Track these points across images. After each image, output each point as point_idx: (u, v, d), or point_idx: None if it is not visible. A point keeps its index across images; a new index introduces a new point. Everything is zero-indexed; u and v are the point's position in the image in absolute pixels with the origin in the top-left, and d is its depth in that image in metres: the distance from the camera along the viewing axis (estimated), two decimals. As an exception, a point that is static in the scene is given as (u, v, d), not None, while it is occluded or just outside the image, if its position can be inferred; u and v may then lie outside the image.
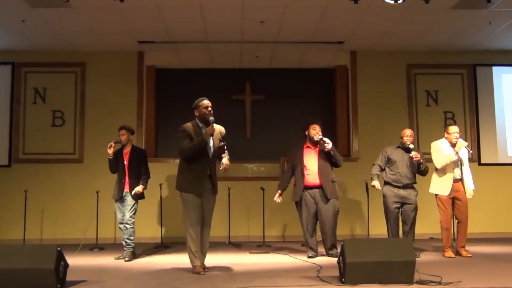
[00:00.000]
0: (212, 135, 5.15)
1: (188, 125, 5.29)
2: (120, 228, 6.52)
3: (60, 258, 4.50)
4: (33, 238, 8.15)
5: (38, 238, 8.29)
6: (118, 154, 6.56)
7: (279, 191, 6.44)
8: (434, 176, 6.40)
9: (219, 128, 5.33)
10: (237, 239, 8.06)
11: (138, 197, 6.46)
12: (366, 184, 7.46)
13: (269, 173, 8.80)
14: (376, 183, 6.41)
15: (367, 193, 7.55)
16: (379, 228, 7.71)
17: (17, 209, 8.06)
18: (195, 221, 5.16)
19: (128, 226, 6.40)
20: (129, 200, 6.42)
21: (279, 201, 6.42)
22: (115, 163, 6.54)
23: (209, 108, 5.23)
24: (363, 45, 8.68)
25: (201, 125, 5.27)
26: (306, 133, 6.43)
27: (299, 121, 9.29)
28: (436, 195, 6.33)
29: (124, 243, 6.42)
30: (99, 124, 8.61)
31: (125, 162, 6.48)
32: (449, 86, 8.99)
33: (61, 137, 8.65)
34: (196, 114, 5.29)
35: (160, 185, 7.87)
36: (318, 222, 6.34)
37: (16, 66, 8.76)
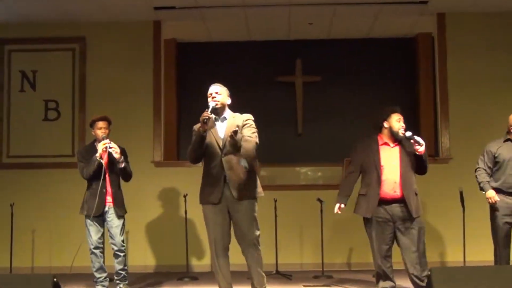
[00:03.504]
0: (205, 122, 5.05)
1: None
2: (95, 254, 6.34)
3: (57, 291, 4.58)
4: (22, 266, 8.33)
5: (28, 266, 8.47)
6: (92, 154, 6.35)
7: (340, 203, 6.28)
8: None
9: (238, 118, 5.33)
10: (287, 268, 8.06)
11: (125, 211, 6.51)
12: (461, 193, 7.29)
13: (328, 179, 8.76)
14: (492, 193, 6.32)
15: (463, 205, 7.39)
16: (479, 253, 7.57)
17: (1, 228, 8.22)
18: (217, 245, 5.23)
19: (121, 254, 6.37)
20: (116, 219, 6.37)
21: (340, 213, 6.31)
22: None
23: (213, 94, 5.31)
24: (454, 4, 8.55)
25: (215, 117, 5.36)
26: (385, 125, 6.15)
27: (368, 110, 9.27)
28: None
29: (116, 276, 6.40)
30: (104, 117, 8.72)
31: (104, 165, 6.32)
32: None
33: (56, 135, 8.80)
34: None
35: (185, 196, 7.92)
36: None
37: (-2, 44, 8.97)
